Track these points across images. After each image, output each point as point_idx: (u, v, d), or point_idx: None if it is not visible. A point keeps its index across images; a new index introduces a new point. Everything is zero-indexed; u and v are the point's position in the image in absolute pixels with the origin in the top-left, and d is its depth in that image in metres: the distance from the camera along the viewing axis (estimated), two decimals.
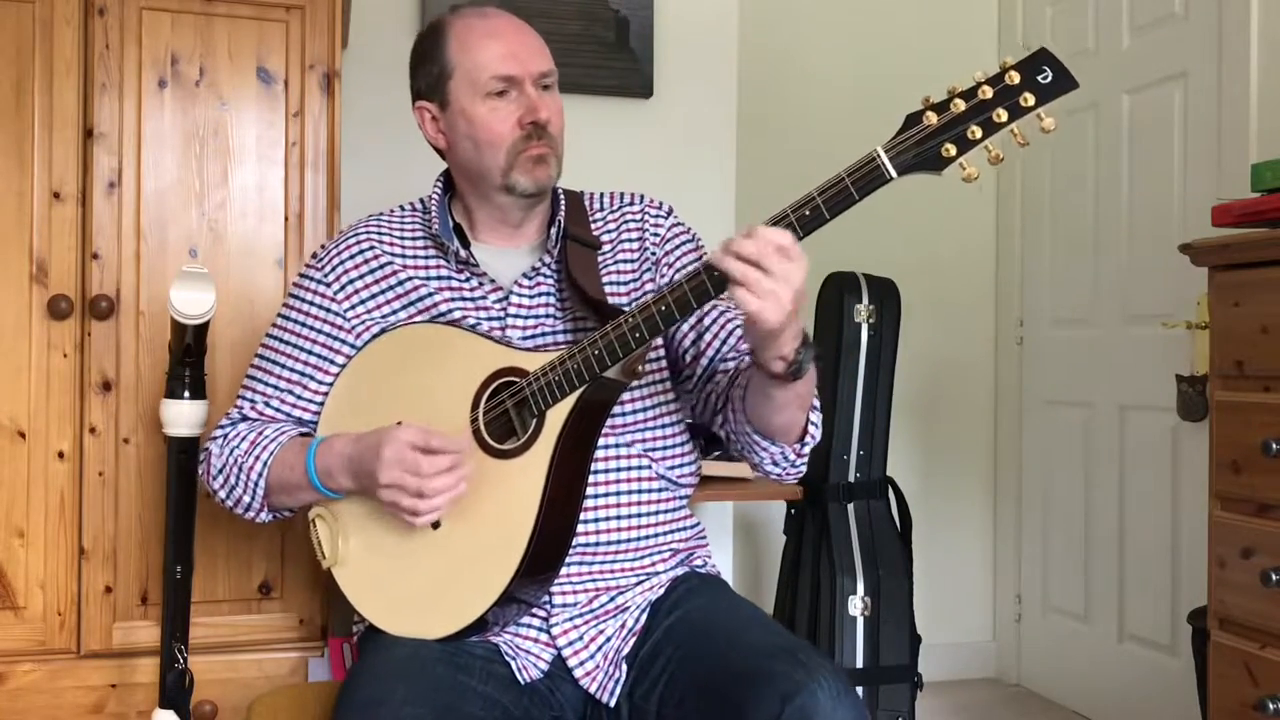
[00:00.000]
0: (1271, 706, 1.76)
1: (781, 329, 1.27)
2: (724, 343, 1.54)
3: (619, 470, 1.50)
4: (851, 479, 2.70)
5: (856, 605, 2.62)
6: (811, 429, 1.48)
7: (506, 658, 1.44)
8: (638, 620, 1.50)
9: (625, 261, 1.58)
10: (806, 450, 1.50)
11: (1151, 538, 2.90)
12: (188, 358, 1.75)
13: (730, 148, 2.83)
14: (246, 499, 1.54)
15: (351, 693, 1.35)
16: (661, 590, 1.53)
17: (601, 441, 1.46)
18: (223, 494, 1.57)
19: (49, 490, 1.90)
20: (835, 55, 3.40)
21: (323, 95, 2.00)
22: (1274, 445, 1.76)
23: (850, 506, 2.69)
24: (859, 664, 2.60)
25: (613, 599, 1.50)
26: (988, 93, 1.20)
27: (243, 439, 1.55)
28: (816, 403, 1.47)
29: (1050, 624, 3.31)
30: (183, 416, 1.76)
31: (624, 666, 1.47)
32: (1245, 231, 1.91)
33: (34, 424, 1.89)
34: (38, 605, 1.90)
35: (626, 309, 1.38)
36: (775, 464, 1.50)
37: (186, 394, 1.75)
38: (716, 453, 2.27)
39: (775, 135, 3.33)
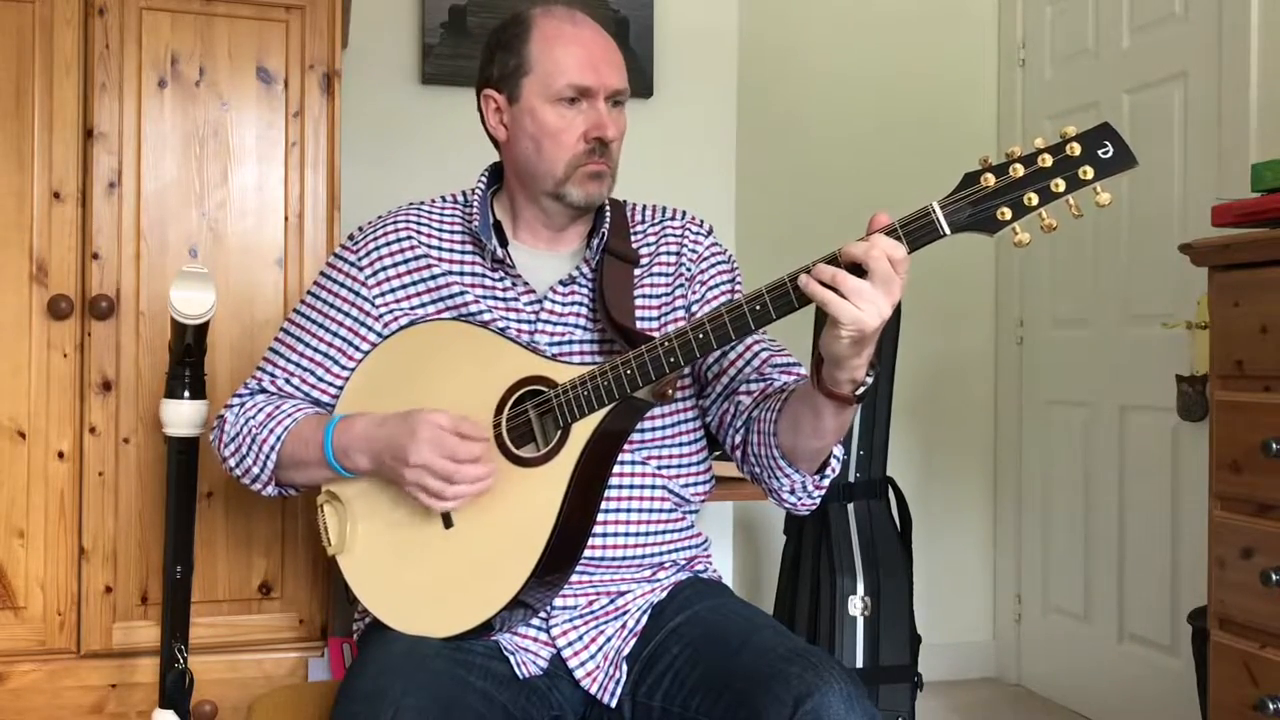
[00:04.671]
0: (1271, 706, 1.76)
1: (871, 338, 1.26)
2: (748, 364, 1.54)
3: (632, 488, 1.50)
4: (851, 479, 2.70)
5: (856, 605, 2.62)
6: (834, 461, 1.47)
7: (506, 653, 1.44)
8: (639, 621, 1.50)
9: (660, 275, 1.58)
10: (825, 483, 1.49)
11: (1151, 538, 2.90)
12: (188, 358, 1.75)
13: (730, 148, 2.83)
14: (256, 470, 1.54)
15: (352, 685, 1.36)
16: (664, 594, 1.53)
17: (618, 457, 1.46)
18: (232, 462, 1.56)
19: (49, 490, 1.90)
20: (835, 55, 3.40)
21: (323, 95, 2.00)
22: (1274, 445, 1.76)
23: (850, 506, 2.68)
24: (859, 664, 2.60)
25: (613, 601, 1.50)
26: (1047, 161, 1.20)
27: (259, 409, 1.54)
28: (842, 437, 1.47)
29: (1050, 624, 3.31)
30: (183, 416, 1.76)
31: (624, 666, 1.47)
32: (1245, 231, 1.90)
33: (34, 424, 1.89)
34: (38, 605, 1.90)
35: (657, 334, 1.37)
36: (793, 492, 1.48)
37: (186, 394, 1.75)
38: (716, 453, 2.27)
39: (775, 135, 3.33)
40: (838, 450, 1.47)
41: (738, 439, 1.52)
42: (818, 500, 1.50)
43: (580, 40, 1.50)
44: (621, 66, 1.53)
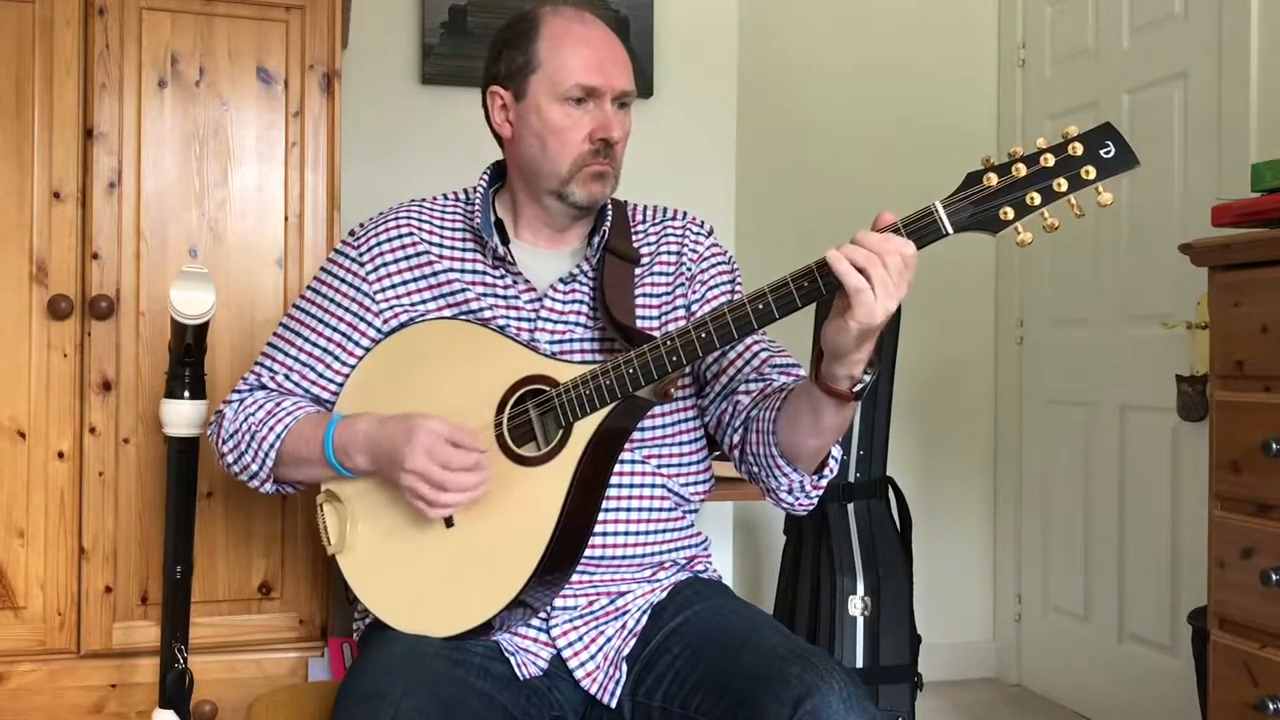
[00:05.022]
0: (1271, 706, 1.75)
1: (874, 333, 1.27)
2: (747, 363, 1.54)
3: (632, 486, 1.50)
4: (851, 479, 2.70)
5: (856, 605, 2.62)
6: (832, 462, 1.48)
7: (506, 654, 1.44)
8: (639, 621, 1.50)
9: (660, 275, 1.58)
10: (823, 483, 1.49)
11: (1151, 538, 2.90)
12: (188, 358, 1.75)
13: (730, 148, 2.83)
14: (254, 467, 1.53)
15: (352, 686, 1.36)
16: (664, 594, 1.53)
17: (619, 456, 1.46)
18: (230, 458, 1.55)
19: (49, 490, 1.90)
20: (835, 54, 3.40)
21: (323, 95, 2.00)
22: (1274, 445, 1.76)
23: (850, 506, 2.68)
24: (859, 664, 2.60)
25: (613, 601, 1.50)
26: (1049, 160, 1.21)
27: (260, 406, 1.54)
28: (840, 437, 1.47)
29: (1050, 624, 3.31)
30: (182, 416, 1.76)
31: (624, 666, 1.47)
32: (1245, 231, 1.90)
33: (34, 424, 1.89)
34: (38, 605, 1.90)
35: (657, 333, 1.37)
36: (791, 492, 1.49)
37: (186, 394, 1.75)
38: (715, 453, 2.27)
39: (775, 135, 3.33)
40: (836, 450, 1.47)
41: (736, 438, 1.52)
42: (815, 500, 1.51)
43: (589, 40, 1.51)
44: (629, 68, 1.53)
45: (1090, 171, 1.20)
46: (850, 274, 1.22)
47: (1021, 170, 1.21)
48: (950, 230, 1.23)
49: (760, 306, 1.29)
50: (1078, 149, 1.20)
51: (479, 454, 1.39)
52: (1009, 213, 1.22)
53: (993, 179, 1.22)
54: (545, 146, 1.50)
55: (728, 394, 1.54)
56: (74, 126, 1.90)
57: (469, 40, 2.63)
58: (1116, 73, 3.04)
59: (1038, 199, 1.21)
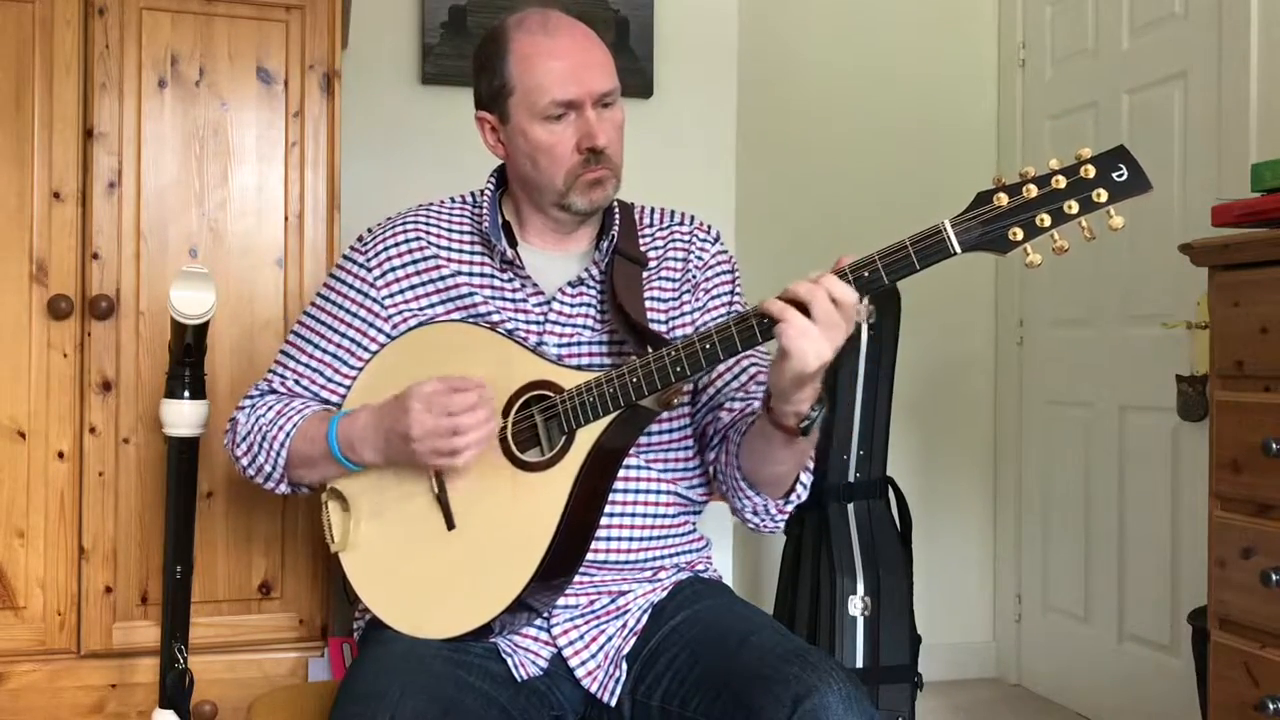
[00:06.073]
0: (1271, 706, 1.75)
1: (811, 377, 1.27)
2: (735, 378, 1.54)
3: (637, 492, 1.51)
4: (851, 479, 2.70)
5: (856, 605, 2.62)
6: (799, 488, 1.48)
7: (504, 654, 1.44)
8: (639, 620, 1.50)
9: (667, 279, 1.58)
10: (789, 508, 1.50)
11: (1151, 538, 2.90)
12: (188, 358, 1.75)
13: (730, 148, 2.83)
14: (268, 468, 1.54)
15: (350, 686, 1.36)
16: (664, 593, 1.53)
17: (623, 463, 1.46)
18: (245, 461, 1.56)
19: (49, 490, 1.90)
20: (835, 55, 3.40)
21: (323, 95, 2.00)
22: (1274, 445, 1.76)
23: (850, 506, 2.68)
24: (859, 664, 2.60)
25: (614, 600, 1.50)
26: (1061, 182, 1.21)
27: (269, 408, 1.55)
28: (811, 464, 1.47)
29: (1050, 624, 3.31)
30: (183, 416, 1.76)
31: (624, 665, 1.47)
32: (1245, 231, 1.90)
33: (34, 424, 1.89)
34: (38, 605, 1.90)
35: (669, 339, 1.38)
36: (755, 514, 1.49)
37: (186, 394, 1.75)
38: None
39: (775, 134, 3.33)
40: (805, 477, 1.48)
41: (711, 455, 1.53)
42: (781, 524, 1.51)
43: (556, 52, 1.48)
44: (605, 65, 1.50)
45: (1102, 195, 1.19)
46: (781, 324, 1.23)
47: (1032, 191, 1.21)
48: (959, 249, 1.23)
49: (766, 321, 1.28)
50: (1090, 171, 1.20)
51: (479, 388, 1.37)
52: (1018, 233, 1.21)
53: (1003, 199, 1.22)
54: (537, 165, 1.50)
55: (713, 408, 1.55)
56: (74, 126, 1.90)
57: (469, 40, 2.63)
58: (1116, 73, 3.04)
59: (1048, 220, 1.21)
